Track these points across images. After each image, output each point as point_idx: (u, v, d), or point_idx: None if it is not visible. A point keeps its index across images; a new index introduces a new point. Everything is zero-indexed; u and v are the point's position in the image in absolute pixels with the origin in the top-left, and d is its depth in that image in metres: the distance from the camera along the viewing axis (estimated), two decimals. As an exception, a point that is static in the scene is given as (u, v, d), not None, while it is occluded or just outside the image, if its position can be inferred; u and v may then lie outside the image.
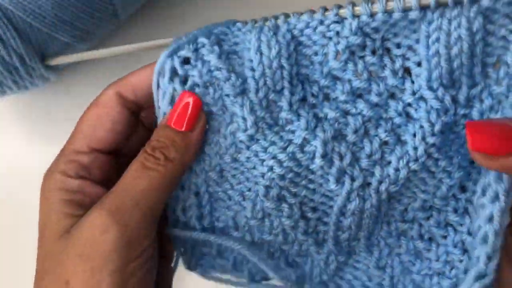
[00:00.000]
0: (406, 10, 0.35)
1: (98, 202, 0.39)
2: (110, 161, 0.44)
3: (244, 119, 0.39)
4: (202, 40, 0.40)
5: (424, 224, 0.40)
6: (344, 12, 0.37)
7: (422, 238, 0.40)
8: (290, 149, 0.38)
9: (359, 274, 0.43)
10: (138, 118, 0.45)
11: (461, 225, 0.39)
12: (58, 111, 0.66)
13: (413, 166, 0.37)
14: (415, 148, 0.37)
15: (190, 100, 0.40)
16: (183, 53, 0.40)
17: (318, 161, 0.38)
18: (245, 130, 0.39)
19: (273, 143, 0.39)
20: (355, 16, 0.37)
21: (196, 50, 0.40)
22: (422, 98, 0.37)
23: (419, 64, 0.37)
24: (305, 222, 0.41)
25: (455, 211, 0.39)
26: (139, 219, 0.38)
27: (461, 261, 0.39)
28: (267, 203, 0.39)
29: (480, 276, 0.36)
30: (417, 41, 0.37)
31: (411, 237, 0.40)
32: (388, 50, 0.38)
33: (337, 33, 0.38)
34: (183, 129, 0.40)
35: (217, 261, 0.45)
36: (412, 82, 0.37)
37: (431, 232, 0.40)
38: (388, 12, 0.36)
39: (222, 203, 0.42)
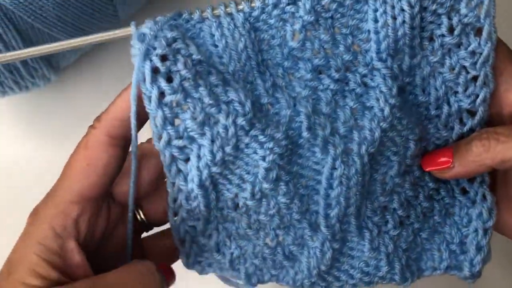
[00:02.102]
0: None
1: None
2: (99, 207, 0.42)
3: (241, 103, 0.39)
4: (171, 34, 0.38)
5: (401, 192, 0.44)
6: None
7: (403, 206, 0.44)
8: (282, 128, 0.41)
9: (355, 262, 0.45)
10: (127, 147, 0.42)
11: (425, 179, 0.44)
12: (58, 111, 0.66)
13: (384, 125, 0.41)
14: (382, 110, 0.41)
15: None
16: (159, 51, 0.37)
17: (305, 134, 0.41)
18: (245, 114, 0.39)
19: (267, 125, 0.40)
20: None
21: (169, 45, 0.38)
22: (374, 68, 0.41)
23: (366, 40, 0.41)
24: (299, 199, 0.42)
25: (420, 167, 0.44)
26: None
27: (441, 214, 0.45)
28: (266, 185, 0.41)
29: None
30: (361, 20, 0.41)
31: (393, 209, 0.44)
32: (338, 29, 0.41)
33: (292, 14, 0.40)
34: None
35: (214, 257, 0.45)
36: (363, 56, 0.41)
37: (407, 198, 0.44)
38: None
39: (222, 186, 0.42)
